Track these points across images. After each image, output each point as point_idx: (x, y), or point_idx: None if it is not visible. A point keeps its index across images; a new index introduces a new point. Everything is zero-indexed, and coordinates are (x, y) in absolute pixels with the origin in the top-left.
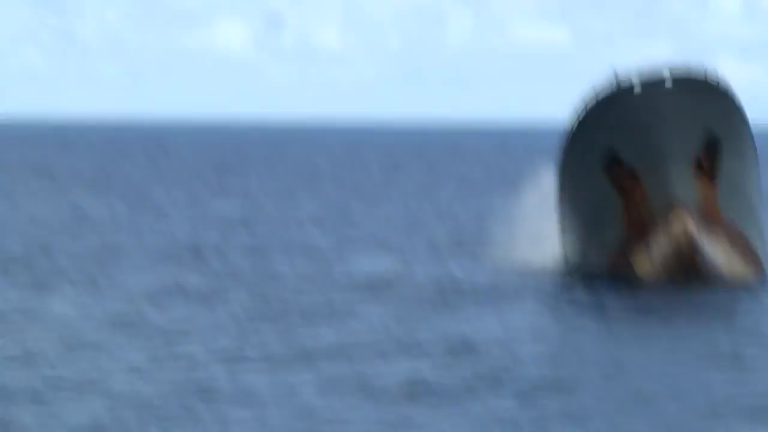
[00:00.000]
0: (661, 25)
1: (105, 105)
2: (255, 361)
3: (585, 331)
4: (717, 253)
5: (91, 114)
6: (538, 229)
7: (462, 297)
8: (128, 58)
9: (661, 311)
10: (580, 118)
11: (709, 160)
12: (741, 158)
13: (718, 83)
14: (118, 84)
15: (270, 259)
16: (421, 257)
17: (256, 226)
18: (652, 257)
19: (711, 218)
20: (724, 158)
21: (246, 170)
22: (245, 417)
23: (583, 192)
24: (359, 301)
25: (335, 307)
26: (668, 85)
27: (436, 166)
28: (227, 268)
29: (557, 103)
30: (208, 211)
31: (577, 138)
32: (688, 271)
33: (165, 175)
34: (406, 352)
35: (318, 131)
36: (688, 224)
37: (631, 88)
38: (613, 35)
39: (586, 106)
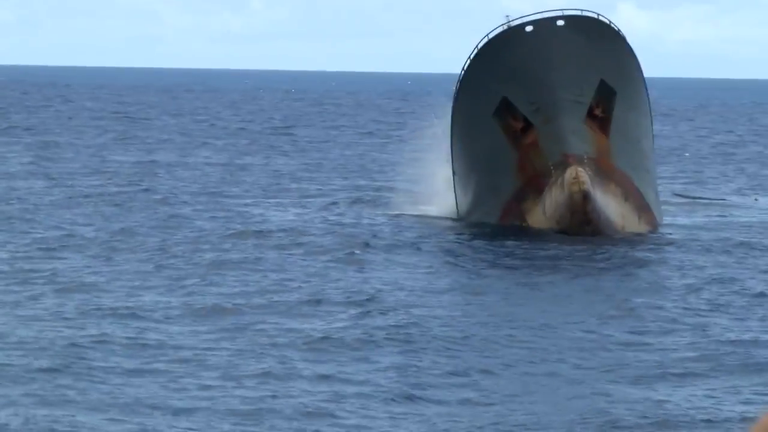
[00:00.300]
0: None
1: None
2: (153, 313)
3: (478, 286)
4: (610, 205)
5: None
6: (434, 179)
7: (360, 249)
8: (21, 4)
9: (555, 263)
10: (472, 62)
11: (603, 111)
12: (635, 109)
13: (610, 25)
14: (11, 30)
15: (173, 210)
16: (319, 209)
17: (156, 177)
18: (545, 208)
19: (604, 170)
20: (618, 109)
21: (147, 120)
22: (139, 368)
23: (475, 141)
24: (264, 253)
25: (239, 259)
26: (560, 23)
27: (335, 116)
28: (129, 219)
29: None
30: (109, 162)
31: (469, 83)
32: (581, 222)
33: (65, 123)
34: (310, 306)
35: (216, 77)
36: (581, 175)
37: (522, 27)
38: None
39: (477, 48)
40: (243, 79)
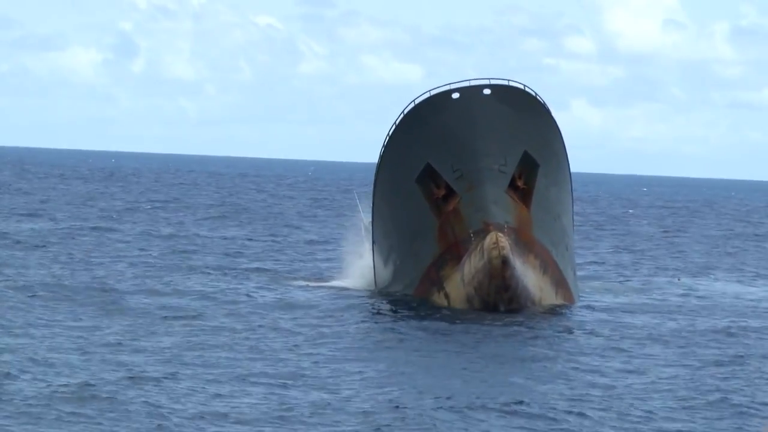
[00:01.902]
0: (513, 65)
1: None
2: None
3: (382, 352)
4: (528, 275)
5: None
6: (357, 254)
7: (276, 322)
8: None
9: (465, 335)
10: (397, 127)
11: (525, 182)
12: (556, 185)
13: (536, 97)
14: None
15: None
16: (236, 282)
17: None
18: (464, 275)
19: (524, 241)
20: (540, 182)
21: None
22: None
23: (397, 207)
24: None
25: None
26: (486, 92)
27: (280, 197)
28: None
29: None
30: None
31: (393, 148)
32: (500, 288)
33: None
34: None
35: (167, 160)
36: (501, 240)
37: (448, 94)
38: (466, 76)
39: (403, 113)
40: (192, 165)
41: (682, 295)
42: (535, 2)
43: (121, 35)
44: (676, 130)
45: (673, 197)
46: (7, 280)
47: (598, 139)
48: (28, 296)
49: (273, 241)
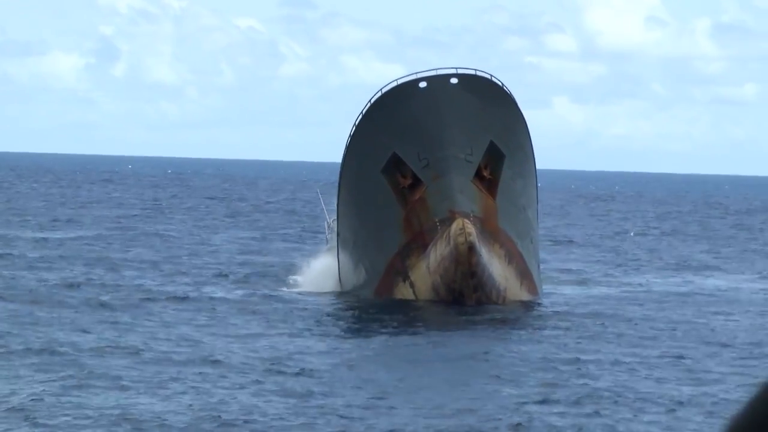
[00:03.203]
0: (495, 64)
1: None
2: None
3: (348, 348)
4: (494, 264)
5: None
6: (324, 254)
7: (234, 317)
8: None
9: (429, 328)
10: (364, 117)
11: (490, 173)
12: (522, 177)
13: (503, 87)
14: None
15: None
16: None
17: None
18: (429, 263)
19: (490, 230)
20: (505, 173)
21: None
22: None
23: (362, 198)
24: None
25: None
26: (453, 81)
27: (262, 199)
28: None
29: None
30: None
31: (359, 138)
32: (466, 275)
33: None
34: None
35: (149, 164)
36: (467, 226)
37: (415, 83)
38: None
39: (369, 102)
40: (170, 167)
41: (643, 286)
42: (517, 1)
43: (102, 39)
44: (658, 127)
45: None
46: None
47: (580, 136)
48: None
49: (248, 240)
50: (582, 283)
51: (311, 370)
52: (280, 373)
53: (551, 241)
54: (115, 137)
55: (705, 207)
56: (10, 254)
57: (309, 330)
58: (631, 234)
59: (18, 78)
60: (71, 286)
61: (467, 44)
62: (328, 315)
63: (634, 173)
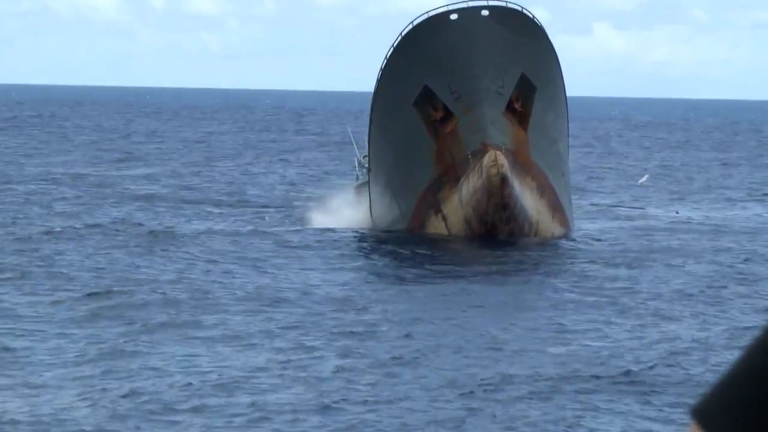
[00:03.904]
0: None
1: None
2: None
3: (384, 285)
4: (526, 197)
5: None
6: (355, 189)
7: (274, 253)
8: None
9: (465, 264)
10: (395, 50)
11: (522, 105)
12: (553, 110)
13: (533, 20)
14: None
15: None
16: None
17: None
18: (461, 196)
19: (522, 163)
20: (537, 106)
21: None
22: None
23: (394, 131)
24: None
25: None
26: (484, 13)
27: (302, 131)
28: None
29: None
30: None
31: (391, 71)
32: (498, 207)
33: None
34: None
35: (191, 96)
36: (500, 158)
37: (446, 15)
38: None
39: (401, 35)
40: (217, 98)
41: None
42: None
43: None
44: (699, 53)
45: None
46: None
47: (620, 63)
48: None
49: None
50: (618, 217)
51: (344, 308)
52: (317, 314)
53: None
54: (155, 69)
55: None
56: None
57: (341, 266)
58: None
59: (59, 11)
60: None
61: None
62: (361, 251)
63: (675, 99)
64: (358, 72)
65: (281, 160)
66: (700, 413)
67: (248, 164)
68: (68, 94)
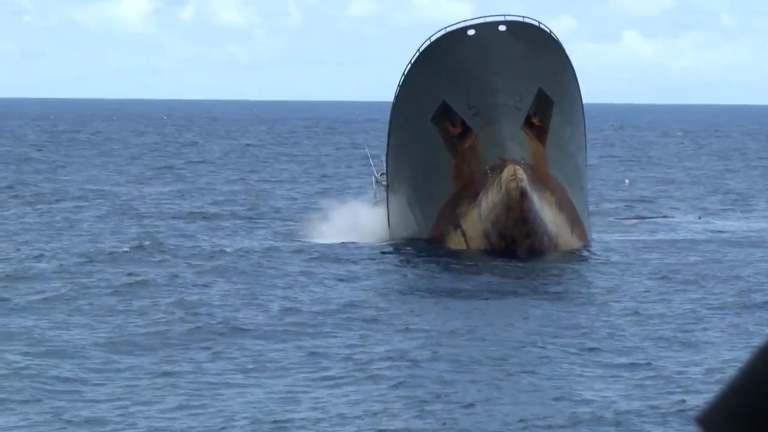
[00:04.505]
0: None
1: (2, 82)
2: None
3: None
4: (545, 211)
5: None
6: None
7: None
8: (25, 35)
9: (484, 280)
10: (413, 66)
11: (540, 120)
12: (571, 124)
13: (551, 34)
14: (13, 61)
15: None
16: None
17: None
18: (481, 211)
19: (540, 178)
20: (554, 120)
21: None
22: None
23: (412, 147)
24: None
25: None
26: (502, 28)
27: (320, 143)
28: None
29: None
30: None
31: (409, 87)
32: (518, 221)
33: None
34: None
35: (218, 107)
36: (518, 173)
37: (464, 31)
38: (516, 11)
39: (418, 51)
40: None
41: (699, 232)
42: None
43: None
44: (726, 58)
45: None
46: None
47: (648, 70)
48: None
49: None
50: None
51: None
52: (339, 325)
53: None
54: (182, 81)
55: None
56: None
57: (360, 281)
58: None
59: (85, 24)
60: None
61: None
62: (380, 266)
63: (702, 105)
64: (387, 82)
65: (305, 172)
66: (705, 422)
67: (277, 179)
68: (98, 108)
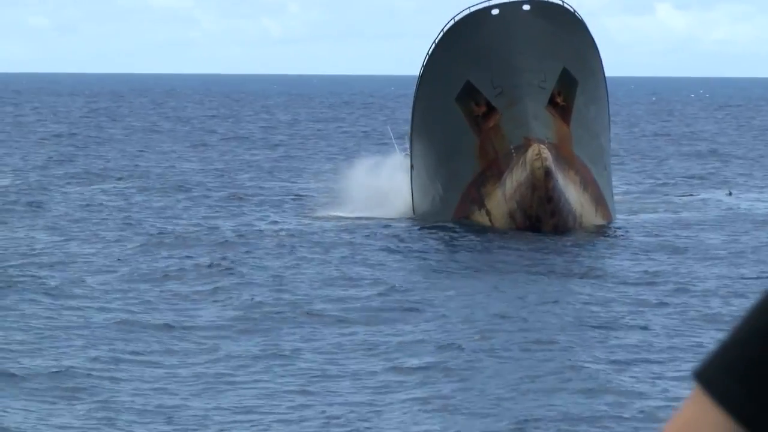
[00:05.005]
0: None
1: (35, 57)
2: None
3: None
4: (570, 190)
5: (21, 67)
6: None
7: (312, 247)
8: (57, 9)
9: (511, 256)
10: (437, 46)
11: (564, 99)
12: (595, 103)
13: (574, 13)
14: (48, 36)
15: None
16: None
17: None
18: (505, 190)
19: (565, 157)
20: (579, 100)
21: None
22: None
23: (437, 127)
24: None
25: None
26: (526, 8)
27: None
28: None
29: None
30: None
31: (433, 67)
32: (542, 200)
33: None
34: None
35: (252, 82)
36: (543, 152)
37: (488, 10)
38: None
39: (442, 31)
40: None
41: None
42: None
43: None
44: (760, 30)
45: None
46: None
47: (682, 42)
48: None
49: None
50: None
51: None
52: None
53: None
54: (216, 55)
55: None
56: None
57: (387, 263)
58: None
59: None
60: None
61: None
62: (408, 248)
63: (737, 78)
64: (419, 56)
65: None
66: (703, 375)
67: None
68: (136, 82)
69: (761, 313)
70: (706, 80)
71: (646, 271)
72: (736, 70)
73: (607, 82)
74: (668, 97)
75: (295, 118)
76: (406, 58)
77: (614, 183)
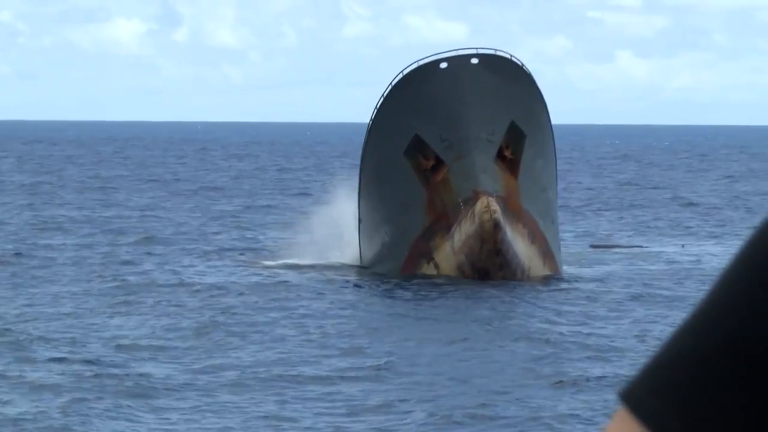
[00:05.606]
0: (557, 19)
1: None
2: None
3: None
4: (518, 244)
5: None
6: (340, 228)
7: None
8: (20, 57)
9: (455, 305)
10: (385, 99)
11: (512, 153)
12: (542, 156)
13: (522, 67)
14: (9, 84)
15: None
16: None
17: None
18: (454, 243)
19: (513, 210)
20: (526, 153)
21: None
22: None
23: (385, 181)
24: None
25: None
26: (474, 61)
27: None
28: None
29: None
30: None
31: (381, 120)
32: (491, 253)
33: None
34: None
35: (214, 129)
36: (492, 204)
37: (436, 64)
38: (511, 32)
39: (391, 84)
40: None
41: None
42: None
43: (164, 5)
44: (722, 78)
45: None
46: None
47: (643, 90)
48: None
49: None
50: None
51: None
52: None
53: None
54: (180, 103)
55: None
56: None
57: (334, 314)
58: None
59: (81, 45)
60: None
61: (529, 0)
62: (352, 297)
63: (699, 126)
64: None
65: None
66: (629, 396)
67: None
68: (97, 130)
69: (686, 333)
70: (669, 128)
71: (589, 316)
72: (699, 118)
73: (571, 130)
74: (628, 144)
75: (258, 166)
76: (371, 105)
77: (567, 234)
